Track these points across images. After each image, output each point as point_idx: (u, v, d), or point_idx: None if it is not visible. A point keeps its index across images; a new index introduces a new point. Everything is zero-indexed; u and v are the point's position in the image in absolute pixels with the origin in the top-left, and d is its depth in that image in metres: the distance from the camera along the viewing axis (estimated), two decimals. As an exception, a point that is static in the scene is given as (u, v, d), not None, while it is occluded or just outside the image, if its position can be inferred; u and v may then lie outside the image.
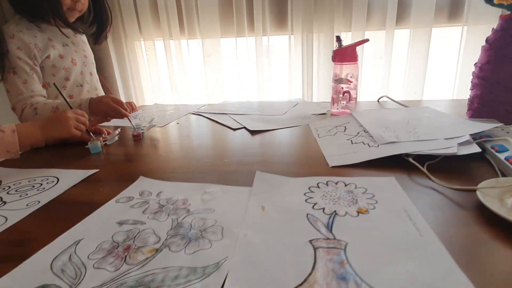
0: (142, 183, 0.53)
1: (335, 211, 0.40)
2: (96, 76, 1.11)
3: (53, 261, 0.34)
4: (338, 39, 0.93)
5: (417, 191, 0.46)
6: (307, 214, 0.40)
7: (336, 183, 0.49)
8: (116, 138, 0.82)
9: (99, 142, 0.75)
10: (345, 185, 0.48)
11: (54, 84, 0.79)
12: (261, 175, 0.53)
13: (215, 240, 0.37)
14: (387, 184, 0.48)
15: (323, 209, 0.41)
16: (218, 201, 0.46)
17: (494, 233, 0.36)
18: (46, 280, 0.31)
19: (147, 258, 0.33)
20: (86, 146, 0.74)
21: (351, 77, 0.92)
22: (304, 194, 0.46)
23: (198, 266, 0.32)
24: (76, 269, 0.32)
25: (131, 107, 1.16)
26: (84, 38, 1.09)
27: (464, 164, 0.54)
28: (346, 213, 0.40)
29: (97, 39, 1.08)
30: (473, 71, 0.76)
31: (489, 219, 0.38)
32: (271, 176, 0.52)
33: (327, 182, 0.49)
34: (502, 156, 0.51)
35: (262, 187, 0.48)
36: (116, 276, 0.31)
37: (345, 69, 0.92)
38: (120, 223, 0.41)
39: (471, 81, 0.77)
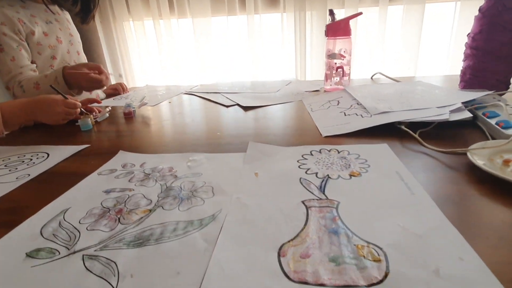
0: (123, 156, 0.52)
1: (328, 175, 0.41)
2: (83, 56, 1.09)
3: (42, 228, 0.33)
4: (331, 12, 0.91)
5: (410, 156, 0.46)
6: (300, 178, 0.40)
7: (329, 151, 0.49)
8: (107, 115, 0.81)
9: (89, 119, 0.73)
10: (338, 152, 0.48)
11: (51, 86, 0.77)
12: (254, 145, 0.53)
13: (207, 198, 0.37)
14: (379, 150, 0.48)
15: (316, 173, 0.41)
16: (204, 167, 0.46)
17: (483, 189, 0.36)
18: (38, 245, 0.30)
19: (141, 218, 0.33)
20: (77, 124, 0.73)
21: (344, 52, 0.91)
22: (297, 161, 0.46)
23: (195, 219, 0.32)
24: (69, 232, 0.32)
25: (122, 88, 1.15)
26: (68, 16, 1.06)
27: (456, 131, 0.55)
28: (339, 176, 0.40)
29: (84, 18, 1.05)
30: (466, 42, 0.76)
31: (478, 177, 0.39)
32: (264, 146, 0.52)
33: (320, 150, 0.49)
34: (493, 121, 0.52)
35: (255, 156, 0.48)
36: (113, 235, 0.31)
37: (339, 44, 0.91)
38: (107, 191, 0.40)
39: (464, 52, 0.76)
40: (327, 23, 0.92)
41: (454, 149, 0.46)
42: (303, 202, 0.34)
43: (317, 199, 0.35)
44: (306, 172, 0.42)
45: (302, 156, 0.47)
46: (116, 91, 1.17)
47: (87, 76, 0.85)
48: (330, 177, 0.40)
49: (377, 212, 0.32)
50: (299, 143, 0.55)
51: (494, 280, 0.23)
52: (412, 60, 1.46)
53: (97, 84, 0.86)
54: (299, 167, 0.43)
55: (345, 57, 0.92)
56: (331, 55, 0.92)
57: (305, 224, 0.30)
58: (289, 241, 0.28)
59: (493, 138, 0.50)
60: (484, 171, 0.37)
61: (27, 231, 0.33)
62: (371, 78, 1.16)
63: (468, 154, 0.41)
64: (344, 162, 0.44)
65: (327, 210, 0.33)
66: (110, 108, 0.85)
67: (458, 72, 0.81)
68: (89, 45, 1.49)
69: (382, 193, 0.36)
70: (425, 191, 0.36)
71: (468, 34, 0.74)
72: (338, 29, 0.89)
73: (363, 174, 0.40)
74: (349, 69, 0.95)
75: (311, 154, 0.47)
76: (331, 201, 0.34)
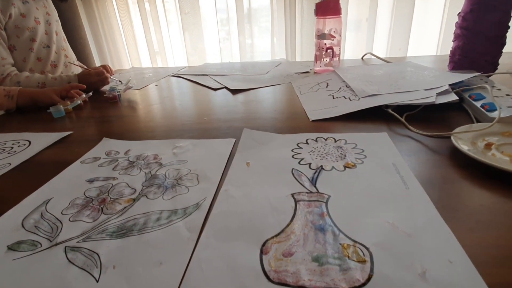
0: (107, 144, 0.51)
1: (321, 166, 0.39)
2: (62, 35, 1.04)
3: (23, 220, 0.32)
4: (321, -10, 0.88)
5: (395, 140, 0.46)
6: (292, 169, 0.39)
7: (326, 139, 0.47)
8: (79, 102, 0.77)
9: (61, 106, 0.71)
10: (335, 141, 0.47)
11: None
12: (249, 133, 0.51)
13: (192, 186, 0.36)
14: (378, 139, 0.46)
15: (309, 164, 0.40)
16: (190, 153, 0.45)
17: (465, 173, 0.37)
18: (19, 237, 0.30)
19: (125, 207, 0.33)
20: (48, 111, 0.70)
21: (334, 32, 0.89)
22: (292, 150, 0.44)
23: (178, 208, 0.32)
24: (51, 224, 0.31)
25: (106, 70, 1.11)
26: None
27: (442, 114, 0.55)
28: (333, 167, 0.39)
29: None
30: (456, 22, 0.75)
31: (462, 161, 0.39)
32: (259, 133, 0.51)
33: (316, 138, 0.48)
34: (478, 104, 0.52)
35: (249, 144, 0.47)
36: (95, 225, 0.30)
37: (328, 24, 0.89)
38: (91, 181, 0.39)
39: (454, 32, 0.76)
40: (317, 1, 0.90)
41: (439, 133, 0.46)
42: (292, 195, 0.33)
43: (307, 192, 0.34)
44: (299, 163, 0.40)
45: (297, 145, 0.46)
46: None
47: (97, 71, 0.89)
48: (323, 169, 0.39)
49: (367, 208, 0.31)
50: (288, 127, 0.54)
51: (484, 286, 0.22)
52: (403, 40, 1.45)
53: (105, 79, 0.91)
54: (292, 156, 0.42)
55: (335, 37, 0.90)
56: (320, 36, 0.90)
57: (292, 219, 0.30)
58: (273, 237, 0.27)
59: (478, 121, 0.50)
60: (467, 155, 0.38)
61: (9, 223, 0.32)
62: (362, 58, 1.14)
63: (452, 138, 0.42)
64: (340, 152, 0.43)
65: (316, 204, 0.32)
66: (90, 94, 0.82)
67: (448, 52, 0.80)
68: (71, 27, 1.43)
69: (375, 187, 0.34)
70: (421, 185, 0.34)
71: (459, 13, 0.73)
72: (327, 8, 0.87)
73: (358, 165, 0.39)
74: (339, 50, 0.93)
75: (307, 143, 0.46)
76: (321, 195, 0.33)
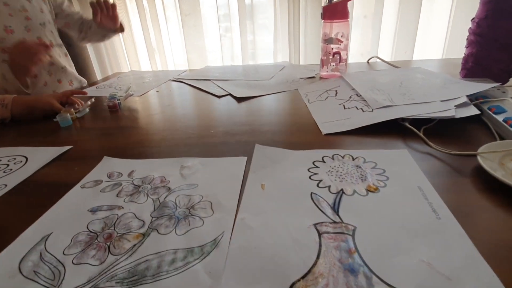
0: (108, 164, 0.48)
1: (342, 190, 0.37)
2: (50, 39, 0.94)
3: (20, 262, 0.29)
4: (328, -7, 0.85)
5: (415, 158, 0.44)
6: (311, 193, 0.36)
7: (343, 157, 0.44)
8: (87, 110, 0.75)
9: (68, 114, 0.68)
10: (353, 159, 0.44)
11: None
12: (261, 149, 0.48)
13: (206, 216, 0.34)
14: (399, 158, 0.44)
15: (329, 187, 0.37)
16: (199, 175, 0.42)
17: (498, 200, 0.34)
18: (17, 286, 0.26)
19: (134, 245, 0.30)
20: (55, 120, 0.67)
21: (341, 36, 0.86)
22: (308, 169, 0.42)
23: (195, 246, 0.29)
24: (52, 268, 0.28)
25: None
26: None
27: (460, 127, 0.53)
28: (354, 191, 0.36)
29: None
30: (470, 27, 0.72)
31: (491, 184, 0.37)
32: (271, 150, 0.48)
33: (333, 155, 0.45)
34: (500, 117, 0.50)
35: (262, 162, 0.44)
36: (103, 270, 0.27)
37: (335, 28, 0.86)
38: (93, 210, 0.36)
39: (467, 38, 0.73)
40: (323, 4, 0.87)
41: (463, 152, 0.43)
42: (315, 225, 0.31)
43: (330, 223, 0.31)
44: (318, 185, 0.38)
45: (313, 163, 0.43)
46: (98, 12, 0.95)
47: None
48: (344, 193, 0.36)
49: (398, 243, 0.28)
50: (300, 142, 0.52)
51: None
52: (409, 43, 1.42)
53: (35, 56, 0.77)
54: (310, 177, 0.40)
55: (342, 41, 0.87)
56: (327, 40, 0.88)
57: (318, 257, 0.27)
58: (299, 280, 0.25)
59: (499, 136, 0.48)
60: (495, 178, 0.35)
61: (4, 267, 0.28)
62: (367, 62, 1.12)
63: (479, 158, 0.39)
64: (359, 173, 0.40)
65: (341, 238, 0.29)
66: (93, 100, 0.79)
67: (455, 55, 0.78)
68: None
69: (403, 216, 0.32)
70: (452, 214, 0.32)
71: (473, 19, 0.71)
72: (335, 11, 0.84)
73: (381, 189, 0.36)
74: (346, 54, 0.91)
75: (323, 161, 0.43)
76: (347, 226, 0.31)
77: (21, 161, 0.51)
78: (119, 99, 0.77)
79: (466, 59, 0.74)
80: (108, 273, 0.27)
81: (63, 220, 0.34)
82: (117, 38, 1.66)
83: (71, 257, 0.29)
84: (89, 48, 1.57)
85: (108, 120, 0.70)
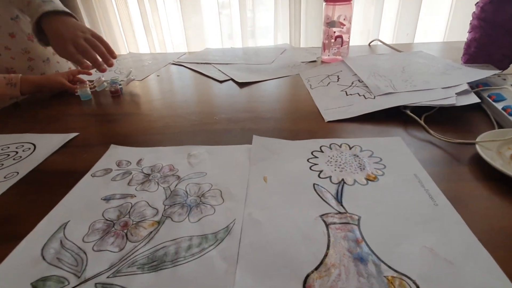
0: (116, 152, 0.48)
1: (342, 180, 0.38)
2: (21, 35, 0.83)
3: (42, 250, 0.30)
4: (331, -26, 0.83)
5: (416, 146, 0.45)
6: (314, 185, 0.37)
7: (340, 146, 0.46)
8: (105, 84, 0.78)
9: (88, 88, 0.73)
10: (350, 148, 0.45)
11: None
12: (259, 140, 0.49)
13: (217, 204, 0.35)
14: (393, 145, 0.45)
15: (330, 177, 0.39)
16: (207, 164, 0.43)
17: (495, 188, 0.36)
18: (42, 272, 0.28)
19: (151, 232, 0.31)
20: (76, 94, 0.73)
21: (344, 19, 0.85)
22: (308, 160, 0.43)
23: (208, 233, 0.31)
24: (74, 255, 0.29)
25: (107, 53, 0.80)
26: None
27: (460, 114, 0.54)
28: (355, 181, 0.38)
29: None
30: (473, 12, 0.72)
31: (488, 173, 0.38)
32: (270, 141, 0.49)
33: (330, 145, 0.46)
34: (499, 106, 0.51)
35: (262, 154, 0.45)
36: (123, 256, 0.29)
37: (338, 10, 0.84)
38: (107, 199, 0.37)
39: (470, 23, 0.73)
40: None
41: (463, 140, 0.45)
42: (321, 217, 0.32)
43: (336, 213, 0.33)
44: (319, 176, 0.39)
45: (312, 153, 0.44)
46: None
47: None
48: (345, 183, 0.37)
49: (400, 230, 0.30)
50: (303, 129, 0.53)
51: None
52: (411, 25, 1.39)
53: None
54: (310, 168, 0.41)
55: (344, 25, 0.86)
56: (330, 23, 0.87)
57: (328, 248, 0.28)
58: (313, 271, 0.26)
59: (498, 124, 0.49)
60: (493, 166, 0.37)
61: (27, 255, 0.30)
62: (369, 45, 1.11)
63: (477, 147, 0.40)
64: (358, 162, 0.42)
65: (348, 228, 0.31)
66: (102, 78, 0.80)
67: (456, 39, 0.78)
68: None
69: (403, 205, 0.33)
70: (448, 201, 0.33)
71: (477, 3, 0.70)
72: (338, -7, 0.83)
73: (379, 177, 0.38)
74: (349, 38, 0.90)
75: (321, 151, 0.45)
76: (352, 217, 0.32)
77: (29, 148, 0.52)
78: (120, 84, 0.77)
79: (468, 44, 0.74)
80: (129, 259, 0.28)
81: (78, 209, 0.36)
82: (114, 16, 1.62)
83: (91, 244, 0.30)
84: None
85: (111, 106, 0.70)
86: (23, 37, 0.83)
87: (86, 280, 0.27)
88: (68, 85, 0.76)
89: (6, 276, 0.28)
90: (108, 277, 0.27)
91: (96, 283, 0.26)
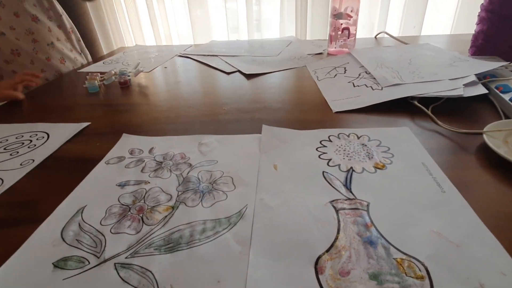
0: (128, 141, 0.50)
1: (351, 168, 0.39)
2: (26, 17, 0.84)
3: (62, 232, 0.31)
4: (339, -34, 0.83)
5: (423, 136, 0.46)
6: (323, 172, 0.38)
7: (348, 136, 0.46)
8: (113, 78, 0.79)
9: (96, 81, 0.74)
10: (358, 138, 0.46)
11: None
12: (269, 130, 0.50)
13: (229, 190, 0.36)
14: (401, 135, 0.46)
15: (339, 165, 0.39)
16: (217, 152, 0.44)
17: (500, 175, 0.37)
18: (63, 253, 0.29)
19: (166, 216, 0.33)
20: (84, 86, 0.74)
21: (351, 11, 0.85)
22: (316, 149, 0.43)
23: (222, 217, 0.32)
24: (93, 237, 0.31)
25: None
26: None
27: (467, 105, 0.54)
28: (363, 169, 0.38)
29: None
30: (482, 3, 0.71)
31: (495, 161, 0.39)
32: (279, 130, 0.49)
33: (338, 134, 0.47)
34: (506, 97, 0.51)
35: (272, 143, 0.46)
36: (140, 238, 0.30)
37: (345, 2, 0.85)
38: (122, 185, 0.38)
39: (478, 15, 0.73)
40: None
41: (470, 130, 0.45)
42: (331, 203, 0.33)
43: (345, 199, 0.34)
44: (328, 164, 0.40)
45: (321, 142, 0.45)
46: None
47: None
48: (354, 170, 0.38)
49: (409, 215, 0.31)
50: (312, 120, 0.53)
51: None
52: (418, 17, 1.38)
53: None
54: (319, 156, 0.42)
55: (352, 17, 0.86)
56: (337, 15, 0.87)
57: (338, 232, 0.29)
58: (324, 253, 0.27)
59: (505, 115, 0.50)
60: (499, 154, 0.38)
61: (48, 236, 0.31)
62: (375, 37, 1.10)
63: (485, 136, 0.41)
64: (366, 151, 0.42)
65: (357, 213, 0.31)
66: (114, 70, 0.80)
67: (464, 31, 0.78)
68: (72, 1, 1.35)
69: (411, 191, 0.34)
70: (455, 187, 0.34)
71: (485, -6, 0.70)
72: (345, -15, 0.83)
73: (387, 166, 0.39)
74: (355, 30, 0.90)
75: (330, 140, 0.45)
76: (361, 203, 0.33)
77: (43, 137, 0.53)
78: (129, 75, 0.78)
79: (476, 36, 0.74)
80: (146, 241, 0.30)
81: (95, 194, 0.37)
82: (120, 9, 1.62)
83: (109, 227, 0.32)
84: (95, 22, 1.54)
85: (120, 96, 0.71)
86: (27, 18, 0.84)
87: (105, 260, 0.28)
88: (19, 96, 0.69)
89: (28, 256, 0.29)
90: (126, 257, 0.28)
91: (115, 263, 0.28)
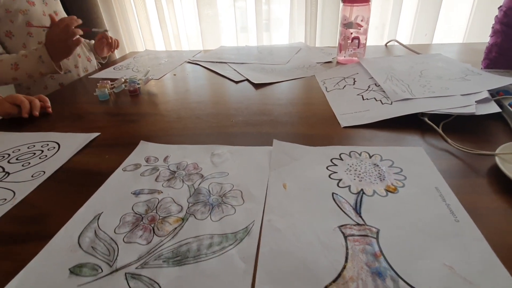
0: (145, 148, 0.51)
1: (362, 190, 0.38)
2: (63, 14, 1.00)
3: (79, 238, 0.33)
4: (350, -25, 0.82)
5: (434, 155, 0.45)
6: (333, 194, 0.38)
7: (360, 154, 0.46)
8: (123, 86, 0.81)
9: (106, 89, 0.76)
10: (370, 157, 0.45)
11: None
12: (280, 145, 0.49)
13: (237, 205, 0.37)
14: (415, 156, 0.45)
15: (349, 187, 0.39)
16: (229, 164, 0.45)
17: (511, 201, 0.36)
18: (79, 259, 0.30)
19: (175, 228, 0.33)
20: (95, 94, 0.75)
21: (361, 20, 0.85)
22: (327, 167, 0.43)
23: (228, 232, 0.33)
24: (107, 245, 0.32)
25: (106, 38, 1.09)
26: None
27: (479, 122, 0.53)
28: (374, 192, 0.38)
29: None
30: (496, 15, 0.70)
31: (507, 185, 0.38)
32: (290, 146, 0.49)
33: (350, 153, 0.46)
34: (520, 115, 0.50)
35: (282, 159, 0.45)
36: (150, 249, 0.31)
37: (356, 11, 0.84)
38: (136, 193, 0.40)
39: (492, 27, 0.71)
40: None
41: (481, 152, 0.44)
42: (339, 228, 0.33)
43: (354, 225, 0.33)
44: (338, 185, 0.39)
45: (331, 161, 0.44)
46: (103, 41, 1.08)
47: (60, 27, 0.76)
48: (364, 193, 0.38)
49: (420, 245, 0.30)
50: (319, 134, 0.53)
51: None
52: (430, 25, 1.36)
53: (69, 29, 0.77)
54: (329, 176, 0.41)
55: (362, 26, 0.85)
56: (347, 24, 0.86)
57: (346, 260, 0.29)
58: (331, 283, 0.27)
59: (518, 134, 0.49)
60: (513, 181, 0.37)
61: (65, 241, 0.33)
62: (386, 45, 1.09)
63: (497, 159, 0.40)
64: (377, 172, 0.41)
65: (366, 240, 0.31)
66: (124, 78, 0.82)
67: (477, 40, 0.76)
68: (87, 6, 1.38)
69: (423, 219, 0.33)
70: (469, 217, 0.33)
71: (500, 7, 0.68)
72: (356, -6, 0.82)
73: (399, 189, 0.38)
74: (365, 39, 0.89)
75: (341, 159, 0.45)
76: (370, 229, 0.32)
77: (54, 147, 0.54)
78: (139, 84, 0.79)
79: (489, 49, 0.72)
80: (155, 253, 0.31)
81: (111, 201, 0.39)
82: (131, 13, 1.65)
83: (122, 236, 0.33)
84: (108, 27, 1.56)
85: (129, 105, 0.72)
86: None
87: (117, 270, 0.29)
88: (12, 111, 0.65)
89: (47, 260, 0.31)
90: (136, 268, 0.29)
91: (126, 273, 0.29)
